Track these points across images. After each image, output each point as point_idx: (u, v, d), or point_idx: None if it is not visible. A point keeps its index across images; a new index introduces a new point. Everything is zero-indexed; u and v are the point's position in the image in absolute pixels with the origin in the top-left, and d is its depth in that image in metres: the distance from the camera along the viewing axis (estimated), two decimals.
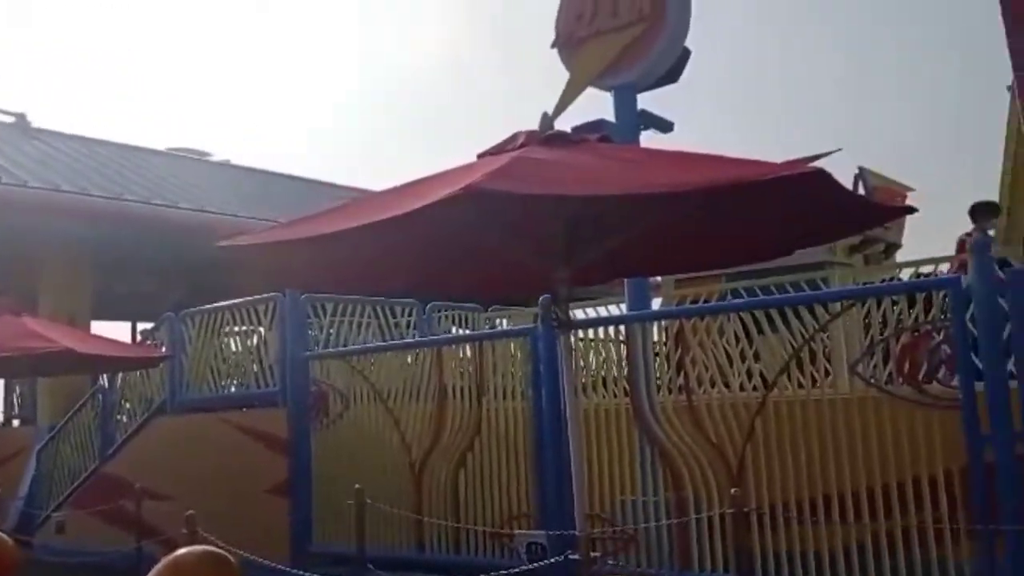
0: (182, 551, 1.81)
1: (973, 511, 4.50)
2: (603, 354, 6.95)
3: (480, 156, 4.20)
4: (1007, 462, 4.35)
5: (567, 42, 7.53)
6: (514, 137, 4.19)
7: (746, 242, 4.59)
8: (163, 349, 9.25)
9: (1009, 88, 12.14)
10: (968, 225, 7.99)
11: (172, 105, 44.14)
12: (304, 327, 8.08)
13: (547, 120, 4.30)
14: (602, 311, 8.00)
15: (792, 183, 3.23)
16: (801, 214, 3.91)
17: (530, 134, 4.14)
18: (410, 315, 9.23)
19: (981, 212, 8.14)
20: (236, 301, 8.56)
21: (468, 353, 7.09)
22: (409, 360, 7.43)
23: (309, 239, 4.02)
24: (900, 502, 4.85)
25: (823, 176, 3.21)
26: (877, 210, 4.72)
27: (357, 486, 5.97)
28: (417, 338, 8.76)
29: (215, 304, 8.82)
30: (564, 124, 6.98)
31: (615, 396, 6.48)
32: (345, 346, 8.29)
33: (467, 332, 9.58)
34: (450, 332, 9.53)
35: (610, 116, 7.08)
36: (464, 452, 6.72)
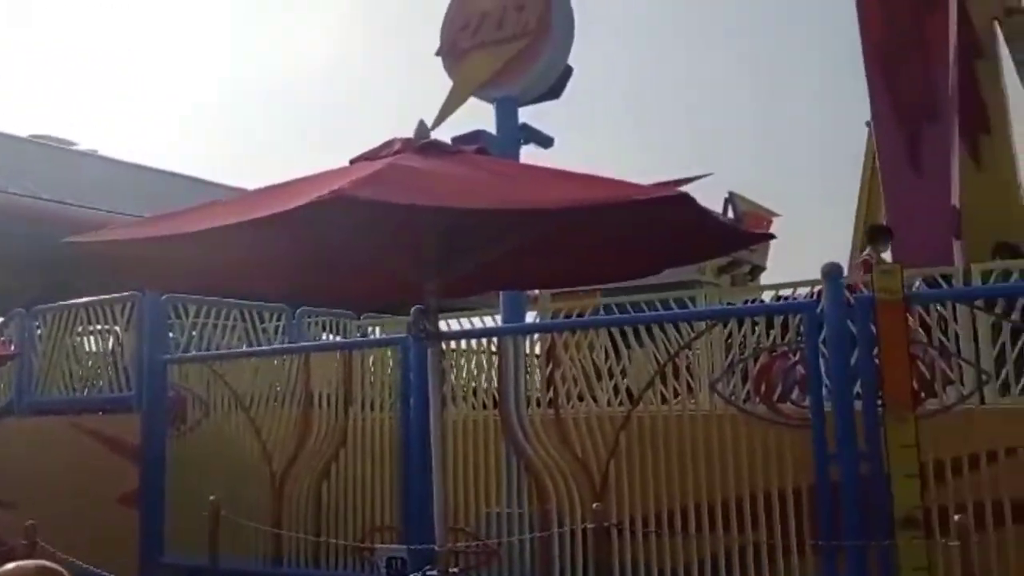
0: (10, 566, 1.66)
1: (819, 527, 4.70)
2: (475, 365, 6.93)
3: (353, 161, 4.11)
4: (850, 480, 4.56)
5: (451, 51, 7.53)
6: (390, 143, 4.12)
7: (615, 260, 4.67)
8: (12, 347, 8.67)
9: (867, 123, 12.92)
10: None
11: (36, 90, 41.66)
12: (164, 329, 7.73)
13: (423, 128, 4.26)
14: (476, 322, 7.99)
15: (658, 205, 3.30)
16: (667, 235, 4.01)
17: (406, 141, 4.08)
18: (279, 320, 8.97)
19: (878, 235, 8.72)
20: (91, 299, 8.12)
21: (337, 361, 6.94)
22: (276, 366, 7.21)
23: (168, 237, 3.84)
24: (753, 516, 5.02)
25: (687, 200, 3.30)
26: (739, 235, 4.90)
27: (212, 496, 5.75)
28: (285, 344, 8.52)
29: (69, 301, 8.34)
30: (448, 132, 7.01)
31: (485, 408, 6.47)
32: (208, 350, 7.98)
33: (337, 339, 9.38)
34: (320, 339, 9.31)
35: (493, 128, 7.11)
36: (328, 462, 6.56)
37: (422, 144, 3.99)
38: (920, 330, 5.27)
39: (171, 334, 7.95)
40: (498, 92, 7.16)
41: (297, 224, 3.45)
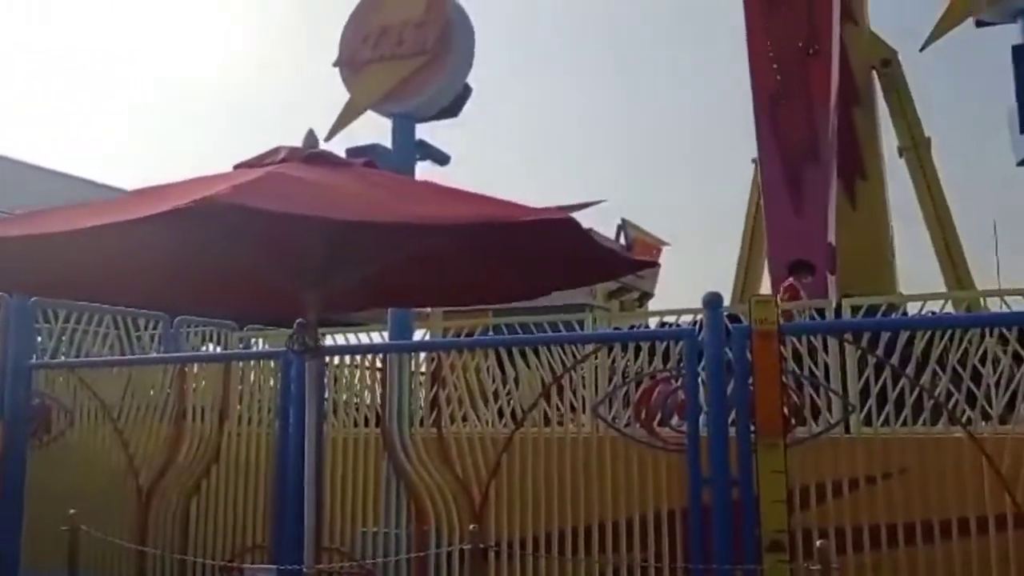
0: None
1: (691, 550, 4.79)
2: (358, 382, 6.81)
3: (236, 167, 4.00)
4: (721, 504, 4.66)
5: (350, 63, 7.46)
6: (275, 151, 4.03)
7: (504, 281, 4.67)
8: None
9: (753, 161, 13.45)
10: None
11: None
12: (30, 334, 7.31)
13: (312, 137, 4.18)
14: (364, 338, 7.87)
15: (544, 227, 3.32)
16: (555, 258, 4.04)
17: (292, 150, 4.00)
18: (155, 328, 8.61)
19: (799, 267, 9.16)
20: None
21: (214, 373, 6.70)
22: (149, 376, 6.91)
23: (31, 237, 3.63)
24: (630, 539, 5.09)
25: (572, 224, 3.33)
26: (623, 260, 4.98)
27: (72, 511, 5.44)
28: (162, 353, 8.19)
29: None
30: (352, 144, 6.92)
31: (367, 425, 6.36)
32: (79, 358, 7.59)
33: (216, 351, 9.08)
34: (200, 349, 8.99)
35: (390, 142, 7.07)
36: (199, 478, 6.30)
37: (309, 154, 3.91)
38: (792, 360, 5.46)
39: (39, 339, 7.53)
40: (395, 107, 7.13)
41: (169, 229, 3.32)
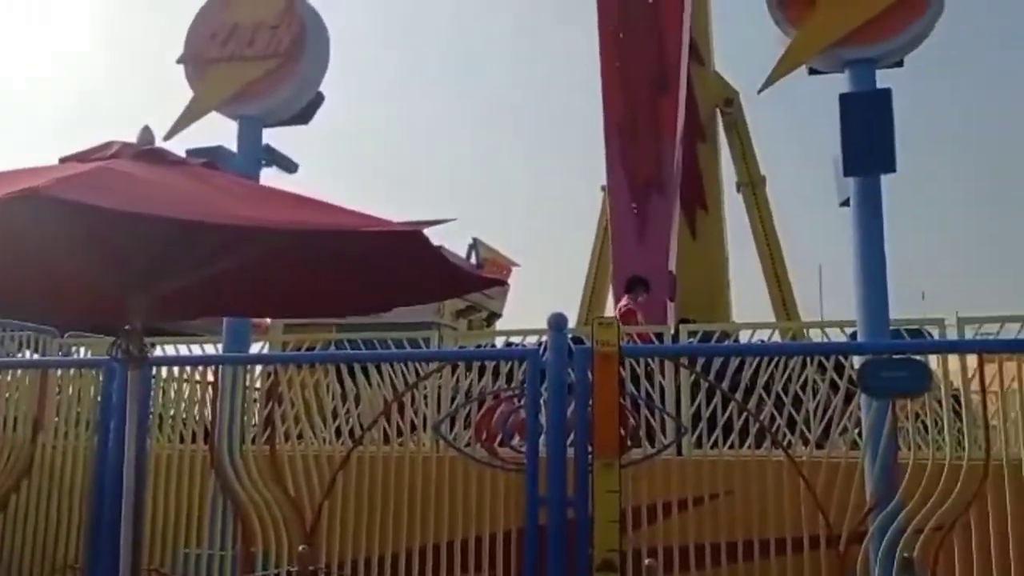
0: None
1: (524, 571, 4.79)
2: (188, 396, 6.47)
3: (63, 160, 3.71)
4: (556, 524, 4.69)
5: (196, 60, 7.11)
6: (107, 145, 3.77)
7: (349, 293, 4.53)
8: None
9: (603, 188, 13.84)
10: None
11: None
12: None
13: (148, 134, 3.94)
14: (196, 349, 7.49)
15: (390, 238, 3.24)
16: (402, 272, 3.95)
17: (125, 146, 3.74)
18: None
19: (635, 284, 9.17)
20: None
21: (30, 381, 6.21)
22: None
23: None
24: (466, 559, 5.05)
25: (420, 238, 3.27)
26: (473, 278, 4.96)
27: None
28: None
29: None
30: (192, 143, 6.57)
31: (194, 442, 6.05)
32: None
33: (34, 357, 8.42)
34: (15, 356, 8.30)
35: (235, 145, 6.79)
36: (8, 492, 5.81)
37: (142, 150, 3.67)
38: (631, 382, 5.60)
39: None
40: (242, 109, 6.85)
41: None
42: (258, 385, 6.58)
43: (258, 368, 6.38)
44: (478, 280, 5.23)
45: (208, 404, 5.76)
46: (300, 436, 5.70)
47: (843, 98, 5.46)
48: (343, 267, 3.84)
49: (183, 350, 7.42)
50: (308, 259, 3.75)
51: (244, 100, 6.81)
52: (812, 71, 5.94)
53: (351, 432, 5.98)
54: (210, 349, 7.28)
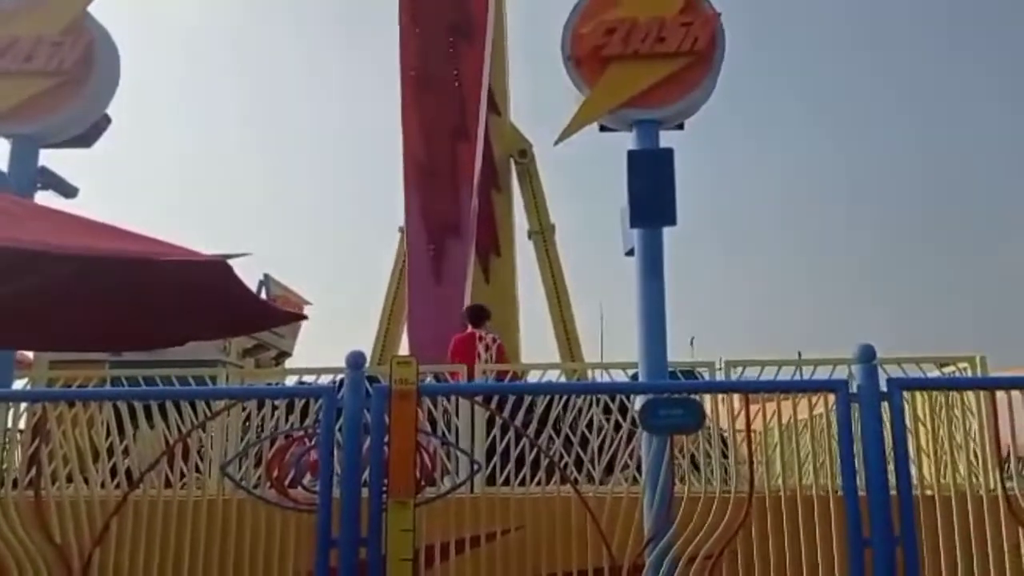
0: None
1: None
2: None
3: None
4: (349, 565, 4.63)
5: None
6: None
7: (135, 326, 4.30)
8: None
9: (401, 229, 13.93)
10: None
11: None
12: None
13: None
14: None
15: (192, 266, 3.14)
16: (198, 304, 3.81)
17: None
18: None
19: (478, 313, 9.14)
20: None
21: None
22: None
23: None
24: None
25: (223, 267, 3.19)
26: (273, 312, 4.85)
27: None
28: None
29: None
30: None
31: None
32: None
33: None
34: None
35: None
36: None
37: None
38: (427, 421, 5.65)
39: None
40: (15, 127, 6.35)
41: None
42: (21, 426, 6.03)
43: (22, 406, 5.84)
44: (281, 314, 5.10)
45: None
46: (69, 479, 5.27)
47: (630, 155, 5.87)
48: (134, 298, 3.65)
49: None
50: (100, 289, 3.54)
51: (18, 118, 6.33)
52: (603, 128, 6.35)
53: (128, 473, 5.60)
54: None
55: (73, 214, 3.55)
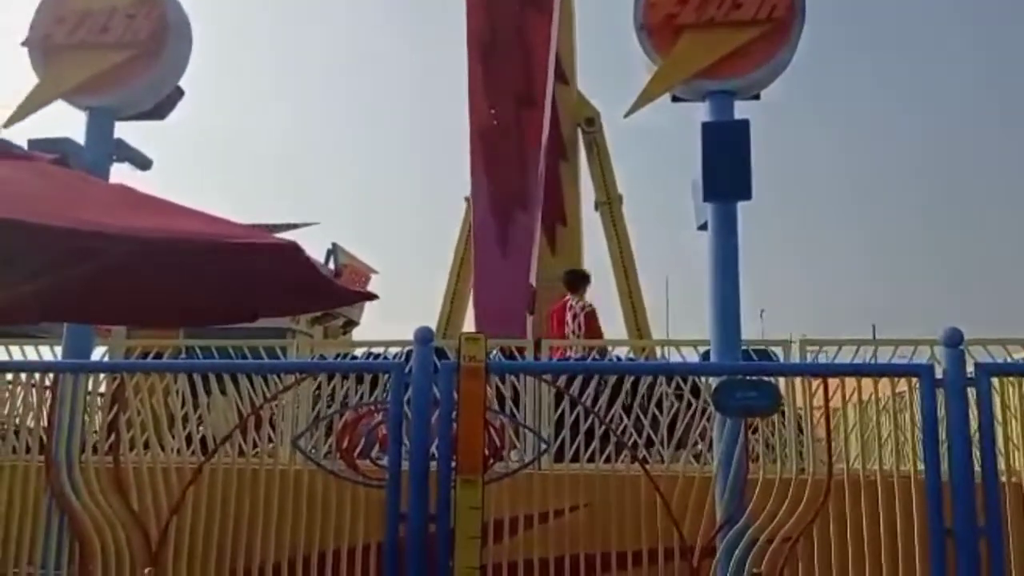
0: None
1: None
2: (22, 402, 6.01)
3: None
4: (415, 540, 4.64)
5: (42, 44, 6.64)
6: None
7: (207, 303, 4.34)
8: None
9: (466, 199, 13.88)
10: None
11: None
12: None
13: None
14: (32, 353, 6.97)
15: (263, 251, 3.13)
16: (266, 283, 3.82)
17: None
18: None
19: (578, 280, 8.98)
20: None
21: None
22: None
23: None
24: (319, 573, 4.92)
25: (295, 249, 3.17)
26: (342, 292, 4.85)
27: None
28: None
29: None
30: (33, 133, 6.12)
31: (28, 453, 5.62)
32: None
33: None
34: None
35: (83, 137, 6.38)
36: None
37: None
38: (495, 397, 5.62)
39: None
40: (92, 100, 6.45)
41: None
42: (102, 390, 6.19)
43: (102, 375, 5.98)
44: (350, 294, 5.10)
45: (44, 412, 5.37)
46: (147, 446, 5.39)
47: (705, 126, 5.70)
48: (208, 277, 3.68)
49: (16, 352, 6.90)
50: (170, 267, 3.57)
51: (94, 90, 6.42)
52: (675, 98, 6.17)
53: (203, 442, 5.70)
54: (47, 353, 6.80)
55: (144, 193, 3.56)
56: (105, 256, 3.24)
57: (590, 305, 8.90)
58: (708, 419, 5.77)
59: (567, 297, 8.95)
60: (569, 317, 8.63)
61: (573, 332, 8.53)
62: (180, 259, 3.44)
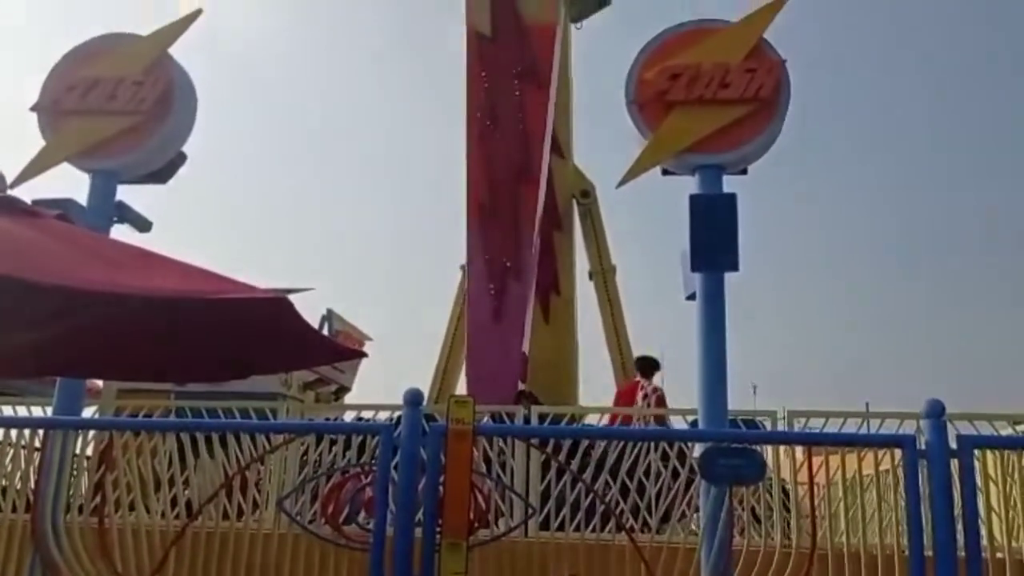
0: None
1: None
2: (10, 461, 6.01)
3: None
4: None
5: (51, 108, 6.82)
6: None
7: (198, 360, 4.38)
8: None
9: (462, 267, 14.04)
10: None
11: None
12: None
13: (1, 181, 3.77)
14: (23, 411, 6.97)
15: (253, 306, 3.20)
16: (259, 340, 3.87)
17: None
18: None
19: (648, 366, 9.53)
20: None
21: None
22: None
23: None
24: None
25: (284, 304, 3.23)
26: (332, 347, 4.90)
27: None
28: None
29: None
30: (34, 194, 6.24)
31: (14, 511, 5.60)
32: None
33: None
34: None
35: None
36: None
37: None
38: (482, 461, 5.63)
39: None
40: (97, 164, 6.59)
41: None
42: (88, 452, 6.19)
43: (90, 434, 6.00)
44: (340, 349, 5.17)
45: (32, 470, 5.37)
46: (132, 507, 5.38)
47: (692, 199, 5.83)
48: (201, 332, 3.73)
49: (7, 410, 6.91)
50: (168, 323, 3.63)
51: (100, 154, 6.57)
52: (665, 172, 6.33)
53: (187, 505, 5.69)
54: (37, 411, 6.81)
55: (141, 248, 3.65)
56: (97, 309, 3.31)
57: (659, 388, 9.38)
58: (696, 490, 5.78)
59: (638, 379, 9.42)
60: (639, 397, 9.07)
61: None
62: (173, 314, 3.51)
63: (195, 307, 3.33)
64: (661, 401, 9.10)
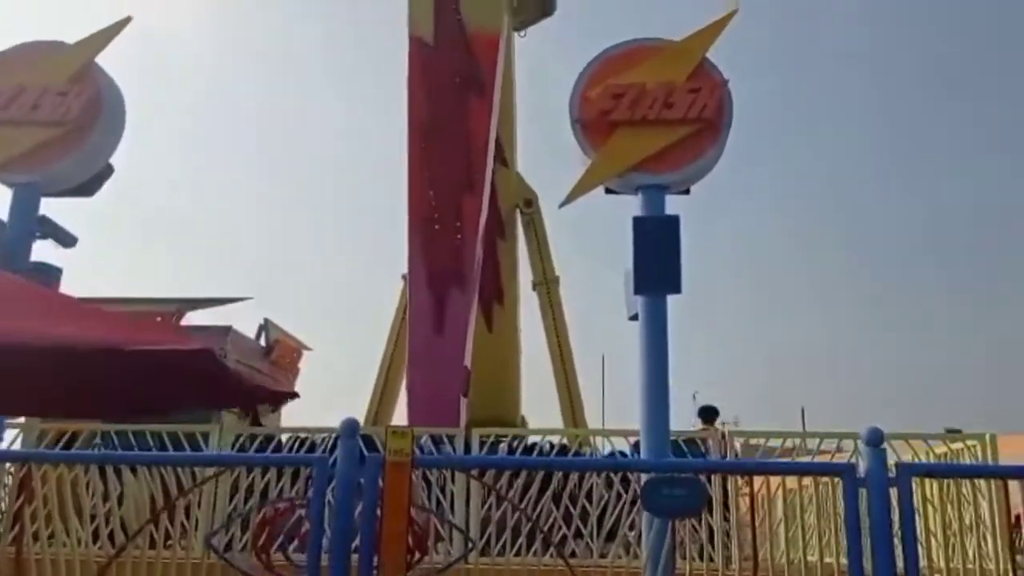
0: None
1: None
2: None
3: None
4: None
5: None
6: None
7: (120, 400, 4.17)
8: None
9: (403, 277, 13.85)
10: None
11: None
12: None
13: None
14: None
15: (178, 356, 3.05)
16: (184, 386, 3.70)
17: None
18: None
19: (709, 413, 9.79)
20: None
21: None
22: None
23: None
24: None
25: (208, 355, 3.11)
26: (260, 392, 4.73)
27: None
28: None
29: None
30: None
31: None
32: None
33: None
34: None
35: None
36: None
37: None
38: (421, 491, 5.50)
39: None
40: (18, 177, 6.31)
41: None
42: (7, 480, 5.89)
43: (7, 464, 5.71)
44: (269, 395, 4.96)
45: None
46: (52, 537, 5.13)
47: (636, 221, 5.79)
48: (123, 378, 3.55)
49: None
50: (86, 368, 3.44)
51: (22, 167, 6.29)
52: (608, 191, 6.28)
53: (111, 534, 5.45)
54: None
55: (60, 294, 3.46)
56: (15, 357, 3.12)
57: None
58: (638, 512, 5.73)
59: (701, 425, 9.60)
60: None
61: None
62: (95, 359, 3.33)
63: (116, 355, 3.16)
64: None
